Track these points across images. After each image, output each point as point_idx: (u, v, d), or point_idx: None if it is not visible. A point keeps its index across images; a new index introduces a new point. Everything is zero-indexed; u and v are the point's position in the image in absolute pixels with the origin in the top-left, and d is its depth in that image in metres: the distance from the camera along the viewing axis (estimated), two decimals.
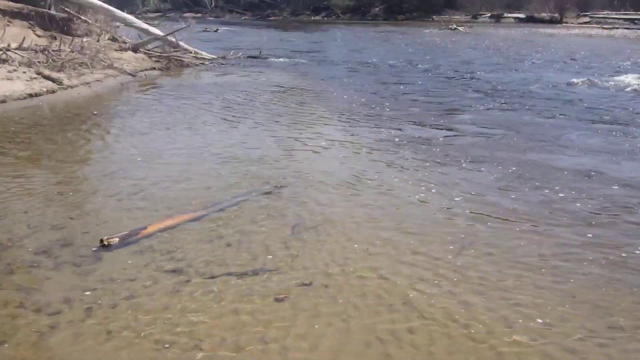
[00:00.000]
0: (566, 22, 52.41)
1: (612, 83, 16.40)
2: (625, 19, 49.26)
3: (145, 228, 5.77)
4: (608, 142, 9.78)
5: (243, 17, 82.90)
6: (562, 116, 11.93)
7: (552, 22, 53.32)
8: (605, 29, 43.35)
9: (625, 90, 15.33)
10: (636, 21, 46.96)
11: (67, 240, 5.54)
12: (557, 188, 7.19)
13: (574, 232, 5.88)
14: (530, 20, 55.78)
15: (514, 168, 8.04)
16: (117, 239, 5.48)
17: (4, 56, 14.94)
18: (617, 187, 7.28)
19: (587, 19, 52.59)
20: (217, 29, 46.70)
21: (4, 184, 7.18)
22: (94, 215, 6.24)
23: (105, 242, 5.39)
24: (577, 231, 5.89)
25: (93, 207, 6.49)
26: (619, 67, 20.13)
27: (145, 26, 22.61)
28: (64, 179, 7.54)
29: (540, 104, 13.29)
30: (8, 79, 13.40)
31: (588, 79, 16.79)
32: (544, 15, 55.84)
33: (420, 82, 16.82)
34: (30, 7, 20.71)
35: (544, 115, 12.08)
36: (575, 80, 16.75)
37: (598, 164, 8.36)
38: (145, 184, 7.24)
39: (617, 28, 43.35)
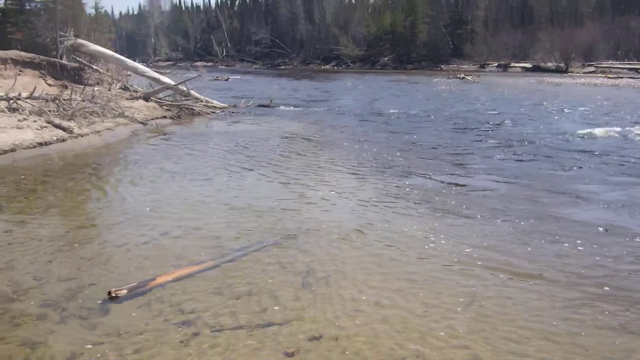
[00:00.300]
0: (572, 72, 52.80)
1: (625, 133, 16.10)
2: (629, 69, 49.69)
3: (154, 279, 5.68)
4: (627, 194, 9.43)
5: (254, 66, 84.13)
6: (578, 167, 11.64)
7: (558, 71, 53.75)
8: (610, 78, 43.62)
9: (637, 140, 15.07)
10: (639, 70, 47.35)
11: (74, 292, 5.45)
12: (573, 242, 6.97)
13: (591, 284, 5.73)
14: (537, 69, 56.28)
15: (530, 220, 7.81)
16: (125, 291, 5.38)
17: (14, 105, 15.10)
18: (638, 241, 7.04)
19: (592, 69, 53.01)
20: (228, 78, 47.34)
21: (10, 234, 7.13)
22: (102, 266, 6.16)
23: (113, 294, 5.29)
24: (594, 284, 5.75)
25: (101, 257, 6.41)
26: (630, 117, 19.94)
27: (157, 75, 22.90)
28: (71, 228, 7.48)
29: (554, 154, 13.05)
30: (18, 128, 13.49)
31: (600, 129, 16.56)
32: (549, 64, 56.37)
33: (431, 131, 16.71)
34: (42, 56, 21.07)
35: (559, 165, 11.80)
36: (588, 129, 16.52)
37: (616, 217, 8.06)
38: (154, 234, 7.17)
39: (622, 77, 43.60)
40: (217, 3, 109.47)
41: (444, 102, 25.98)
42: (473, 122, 18.78)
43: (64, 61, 22.26)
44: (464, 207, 8.48)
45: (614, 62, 54.58)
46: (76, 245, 6.82)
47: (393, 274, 6.00)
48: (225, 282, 5.72)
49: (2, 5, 36.87)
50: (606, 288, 5.64)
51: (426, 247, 6.80)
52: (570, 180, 10.41)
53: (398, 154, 13.03)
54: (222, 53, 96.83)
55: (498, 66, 61.14)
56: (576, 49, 57.36)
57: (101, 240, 7.05)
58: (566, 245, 6.89)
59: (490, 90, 32.90)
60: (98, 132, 15.24)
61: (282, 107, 23.49)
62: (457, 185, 10.02)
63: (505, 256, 6.49)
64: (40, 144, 13.19)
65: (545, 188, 9.77)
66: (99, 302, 5.25)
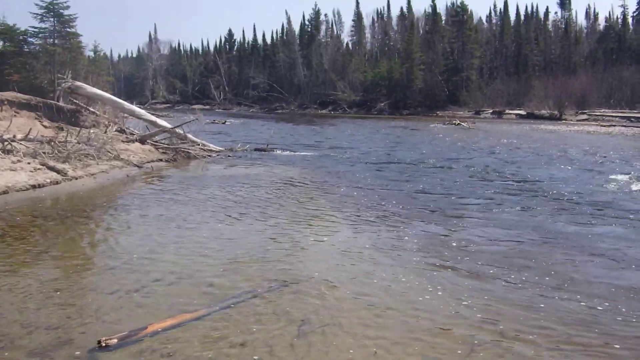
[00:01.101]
0: (565, 119, 53.26)
1: (627, 182, 15.66)
2: (621, 117, 50.26)
3: (145, 328, 5.52)
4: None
5: (251, 110, 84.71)
6: (588, 221, 10.91)
7: (551, 118, 54.22)
8: (603, 126, 44.06)
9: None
10: (632, 119, 47.93)
11: (62, 341, 5.29)
12: (589, 303, 6.58)
13: (599, 348, 5.50)
14: (531, 116, 56.82)
15: (534, 277, 7.51)
16: (116, 340, 5.23)
17: (9, 147, 15.03)
18: None
19: (585, 117, 53.54)
20: (225, 121, 47.56)
21: None
22: (92, 314, 6.00)
23: (103, 343, 5.14)
24: (603, 346, 5.55)
25: (92, 305, 6.25)
26: (629, 165, 19.59)
27: (153, 118, 22.93)
28: (61, 274, 7.32)
29: (557, 204, 12.67)
30: (12, 170, 13.41)
31: (604, 177, 16.37)
32: (543, 112, 56.93)
33: (428, 179, 16.43)
34: (38, 98, 21.11)
35: (564, 216, 11.41)
36: (591, 178, 16.37)
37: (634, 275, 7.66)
38: (147, 281, 7.02)
39: (614, 125, 44.06)
40: (215, 47, 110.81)
41: (441, 149, 25.97)
42: (470, 169, 18.54)
43: (61, 103, 22.31)
44: (462, 258, 8.30)
45: (607, 110, 55.22)
46: (67, 292, 6.66)
47: (390, 325, 5.86)
48: (219, 332, 5.58)
49: (0, 48, 37.13)
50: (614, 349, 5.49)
51: (420, 298, 6.67)
52: (578, 234, 9.86)
53: (394, 201, 12.83)
54: (220, 96, 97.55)
55: (493, 113, 61.66)
56: (569, 97, 58.09)
57: (92, 286, 6.90)
58: (578, 305, 6.54)
59: (486, 137, 32.97)
60: (93, 174, 15.16)
61: (278, 152, 23.49)
62: (455, 236, 9.79)
63: (504, 313, 6.32)
64: (34, 187, 13.09)
65: (546, 240, 9.45)
66: (89, 351, 5.09)
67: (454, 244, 9.12)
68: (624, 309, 6.34)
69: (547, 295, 6.80)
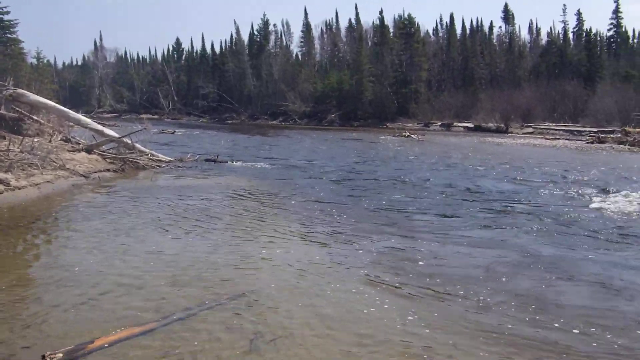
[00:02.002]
0: (511, 132, 54.55)
1: (581, 196, 15.37)
2: (565, 130, 51.88)
3: (92, 342, 5.39)
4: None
5: (201, 120, 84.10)
6: (550, 238, 10.52)
7: (498, 131, 55.43)
8: (548, 139, 45.26)
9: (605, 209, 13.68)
10: (575, 132, 49.62)
11: (5, 357, 5.11)
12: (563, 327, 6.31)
13: None
14: (478, 129, 57.97)
15: (493, 297, 7.37)
16: (61, 355, 5.08)
17: None
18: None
19: (530, 129, 54.92)
20: (175, 131, 47.02)
21: None
22: (37, 327, 5.82)
23: (48, 358, 4.98)
24: None
25: (36, 318, 6.06)
26: (582, 179, 19.18)
27: (100, 127, 22.51)
28: (4, 287, 7.07)
29: (513, 218, 12.51)
30: None
31: (558, 192, 16.11)
32: (490, 125, 58.17)
33: (381, 192, 16.17)
34: None
35: (519, 230, 11.14)
36: (547, 192, 16.09)
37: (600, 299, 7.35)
38: (94, 293, 6.85)
39: (558, 139, 45.39)
40: (163, 56, 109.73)
41: (394, 162, 26.04)
42: (426, 183, 18.17)
43: (2, 111, 21.67)
44: (414, 275, 8.20)
45: (551, 124, 56.83)
46: (9, 305, 6.45)
47: (342, 336, 5.85)
48: (169, 345, 5.48)
49: None
50: None
51: (372, 309, 6.69)
52: (553, 256, 9.30)
53: (347, 215, 12.59)
54: (169, 106, 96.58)
55: (442, 125, 62.67)
56: (515, 110, 59.47)
57: (36, 299, 6.70)
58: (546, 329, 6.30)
59: (437, 149, 33.39)
60: (37, 184, 14.74)
61: (228, 162, 23.32)
62: (409, 251, 9.64)
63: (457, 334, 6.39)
64: None
65: (509, 258, 9.25)
66: None
67: (408, 258, 9.02)
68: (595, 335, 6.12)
69: (507, 317, 6.65)
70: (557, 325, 6.29)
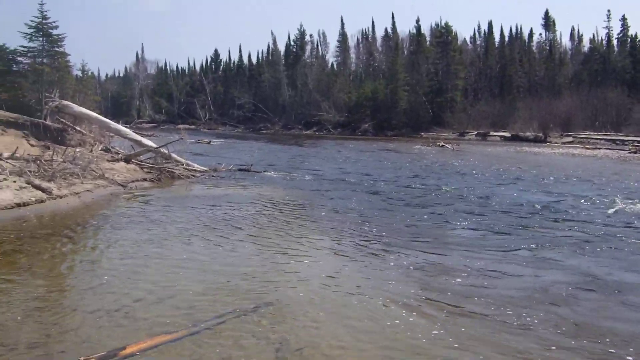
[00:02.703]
0: (550, 141, 53.46)
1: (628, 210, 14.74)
2: (606, 140, 50.59)
3: (124, 348, 5.59)
4: None
5: (236, 130, 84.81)
6: (602, 258, 9.82)
7: (536, 141, 54.38)
8: (588, 148, 44.10)
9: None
10: (617, 142, 48.29)
11: None
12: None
13: None
14: (516, 138, 57.00)
15: (533, 320, 7.10)
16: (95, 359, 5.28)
17: None
18: None
19: (570, 139, 53.75)
20: (210, 141, 47.61)
21: None
22: (73, 333, 6.05)
23: None
24: None
25: (72, 324, 6.30)
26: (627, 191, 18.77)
27: (139, 138, 23.01)
28: (43, 293, 7.37)
29: (554, 234, 12.13)
30: None
31: (606, 206, 15.39)
32: (528, 134, 57.16)
33: (415, 204, 16.08)
34: (26, 117, 21.17)
35: (562, 248, 10.45)
36: (594, 206, 15.38)
37: None
38: (128, 301, 7.08)
39: (599, 148, 44.19)
40: (201, 67, 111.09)
41: (427, 171, 25.92)
42: (461, 195, 17.85)
43: (48, 122, 22.34)
44: (447, 291, 8.14)
45: (592, 133, 55.49)
46: (48, 310, 6.72)
47: (368, 348, 5.94)
48: (197, 353, 5.65)
49: None
50: None
51: (403, 325, 6.75)
52: (588, 271, 8.90)
53: (380, 227, 12.58)
54: (205, 116, 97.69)
55: (477, 135, 61.99)
56: (554, 119, 58.42)
57: (73, 305, 6.95)
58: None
59: (473, 159, 33.05)
60: (77, 193, 15.17)
61: (262, 172, 23.54)
62: (442, 266, 9.50)
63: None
64: (19, 205, 13.09)
65: (552, 275, 8.92)
66: None
67: (441, 274, 8.84)
68: None
69: (547, 341, 6.35)
70: (609, 353, 5.97)
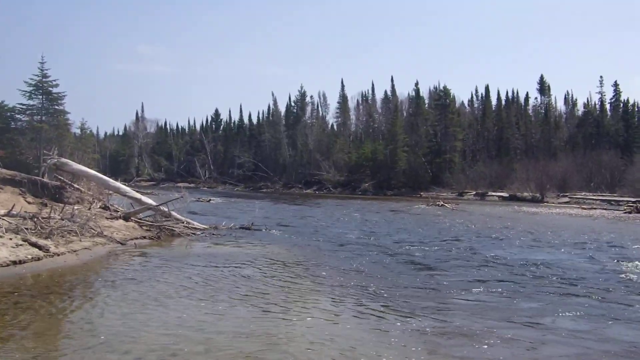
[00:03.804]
0: (547, 202, 53.98)
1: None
2: (602, 200, 51.26)
3: None
4: None
5: (236, 188, 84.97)
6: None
7: (533, 201, 54.90)
8: (584, 209, 44.56)
9: None
10: (612, 202, 49.01)
11: None
12: None
13: None
14: (513, 198, 57.59)
15: None
16: None
17: None
18: None
19: (566, 199, 54.36)
20: (210, 199, 47.61)
21: None
22: None
23: None
24: None
25: None
26: (624, 251, 18.82)
27: (138, 195, 22.94)
28: (41, 352, 7.15)
29: (559, 293, 12.35)
30: None
31: (614, 267, 15.26)
32: (525, 194, 57.71)
33: (419, 262, 15.96)
34: (23, 174, 21.14)
35: (568, 311, 10.21)
36: (603, 268, 15.17)
37: None
38: None
39: (595, 208, 44.67)
40: (202, 126, 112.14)
41: (426, 231, 25.81)
42: (464, 255, 17.66)
43: (46, 179, 22.29)
44: (448, 351, 8.04)
45: (587, 194, 56.34)
46: None
47: None
48: None
49: None
50: None
51: None
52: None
53: (382, 287, 12.33)
54: (205, 175, 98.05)
55: (476, 194, 62.36)
56: (551, 180, 59.08)
57: None
58: None
59: (472, 220, 32.90)
60: (75, 251, 14.98)
61: (263, 230, 23.41)
62: (443, 327, 9.33)
63: None
64: (14, 262, 12.89)
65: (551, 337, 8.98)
66: None
67: (442, 335, 8.67)
68: None
69: None
70: None
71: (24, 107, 36.36)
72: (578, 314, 10.03)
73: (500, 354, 7.72)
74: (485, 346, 8.02)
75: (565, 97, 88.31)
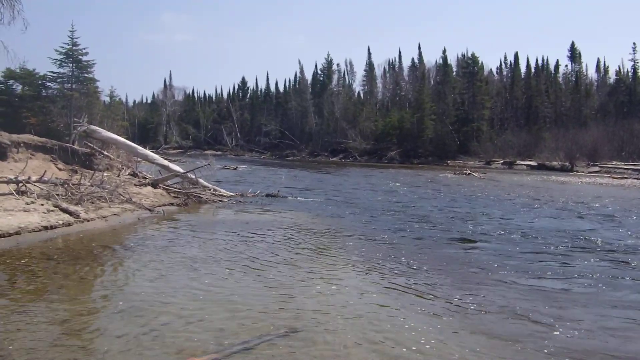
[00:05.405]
0: (577, 171, 53.29)
1: None
2: (633, 169, 50.28)
3: None
4: None
5: (262, 156, 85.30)
6: None
7: (563, 170, 54.25)
8: (615, 178, 43.76)
9: None
10: None
11: None
12: None
13: None
14: (542, 167, 56.93)
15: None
16: None
17: (23, 188, 15.16)
18: None
19: (597, 168, 53.57)
20: (237, 167, 47.88)
21: (8, 320, 6.96)
22: (99, 356, 5.97)
23: None
24: None
25: (99, 348, 6.21)
26: None
27: (166, 163, 23.12)
28: (71, 316, 7.29)
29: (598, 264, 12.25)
30: (25, 211, 13.49)
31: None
32: (554, 163, 56.98)
33: (444, 232, 15.80)
34: (54, 141, 21.41)
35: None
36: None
37: None
38: (156, 324, 6.99)
39: (626, 178, 43.87)
40: (229, 94, 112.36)
41: (455, 200, 25.60)
42: (495, 224, 17.42)
43: (76, 146, 22.58)
44: (474, 317, 8.03)
45: (619, 163, 55.28)
46: (75, 334, 6.64)
47: None
48: None
49: (19, 92, 37.91)
50: None
51: (435, 342, 6.57)
52: None
53: (409, 255, 12.28)
54: (232, 143, 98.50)
55: (504, 163, 61.84)
56: (580, 149, 58.26)
57: (101, 329, 6.86)
58: None
59: (500, 188, 32.60)
60: (104, 217, 15.22)
61: (289, 198, 23.51)
62: (467, 294, 9.48)
63: None
64: (46, 228, 13.13)
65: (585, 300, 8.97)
66: None
67: (470, 304, 8.59)
68: None
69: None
70: None
71: (54, 75, 36.81)
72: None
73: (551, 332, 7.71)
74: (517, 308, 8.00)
75: (597, 65, 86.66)
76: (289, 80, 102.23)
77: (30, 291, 8.39)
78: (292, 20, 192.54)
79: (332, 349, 6.43)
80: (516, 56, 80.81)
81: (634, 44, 76.17)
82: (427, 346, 6.59)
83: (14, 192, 14.84)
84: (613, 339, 7.02)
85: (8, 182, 15.22)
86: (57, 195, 15.38)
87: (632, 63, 76.46)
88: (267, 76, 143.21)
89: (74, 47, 35.88)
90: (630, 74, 77.34)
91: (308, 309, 7.96)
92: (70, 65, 36.00)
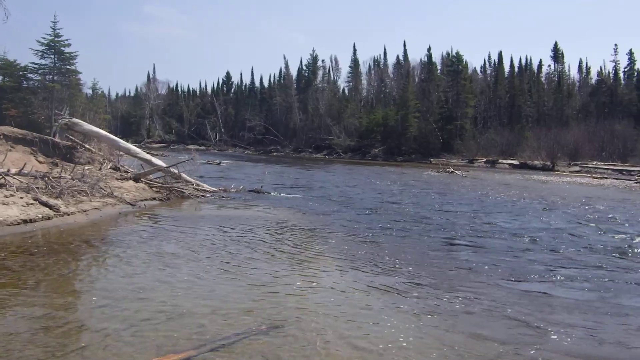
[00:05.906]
0: (558, 170, 53.92)
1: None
2: (613, 170, 50.89)
3: None
4: None
5: (246, 152, 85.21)
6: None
7: (544, 169, 54.92)
8: (595, 178, 44.33)
9: None
10: (623, 172, 48.61)
11: None
12: None
13: None
14: (524, 166, 57.65)
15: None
16: None
17: (2, 181, 14.98)
18: None
19: (577, 168, 54.25)
20: (220, 162, 47.73)
21: None
22: (79, 353, 5.91)
23: None
24: None
25: (78, 343, 6.16)
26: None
27: (149, 157, 22.97)
28: (49, 311, 7.21)
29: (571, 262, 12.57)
30: (3, 204, 13.31)
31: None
32: (536, 162, 57.65)
33: (427, 230, 15.88)
34: (34, 133, 21.19)
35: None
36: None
37: None
38: (136, 320, 6.93)
39: (606, 178, 44.48)
40: (213, 89, 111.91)
41: (436, 197, 25.83)
42: (476, 222, 17.62)
43: (57, 139, 22.36)
44: (456, 313, 8.16)
45: (599, 163, 55.98)
46: (54, 329, 6.56)
47: None
48: None
49: (0, 83, 37.48)
50: None
51: (411, 343, 6.59)
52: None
53: (391, 251, 12.44)
54: (216, 137, 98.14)
55: (486, 162, 62.34)
56: (562, 148, 58.91)
57: (79, 324, 6.80)
58: None
59: (481, 186, 32.92)
60: (85, 211, 15.07)
61: (272, 194, 23.47)
62: (452, 289, 9.58)
63: None
64: (25, 221, 12.98)
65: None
66: None
67: (454, 304, 8.70)
68: None
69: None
70: None
71: (36, 66, 36.40)
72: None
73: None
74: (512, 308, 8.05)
75: (579, 65, 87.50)
76: (274, 76, 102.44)
77: (7, 285, 8.28)
78: (279, 15, 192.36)
79: (312, 345, 6.42)
80: (500, 55, 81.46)
81: (616, 45, 77.19)
82: (405, 343, 6.60)
83: None
84: (596, 340, 7.08)
85: None
86: (37, 188, 15.20)
87: (614, 64, 77.62)
88: (252, 71, 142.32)
89: (56, 39, 35.49)
90: (611, 75, 78.32)
91: (289, 305, 7.95)
92: (52, 56, 35.63)
